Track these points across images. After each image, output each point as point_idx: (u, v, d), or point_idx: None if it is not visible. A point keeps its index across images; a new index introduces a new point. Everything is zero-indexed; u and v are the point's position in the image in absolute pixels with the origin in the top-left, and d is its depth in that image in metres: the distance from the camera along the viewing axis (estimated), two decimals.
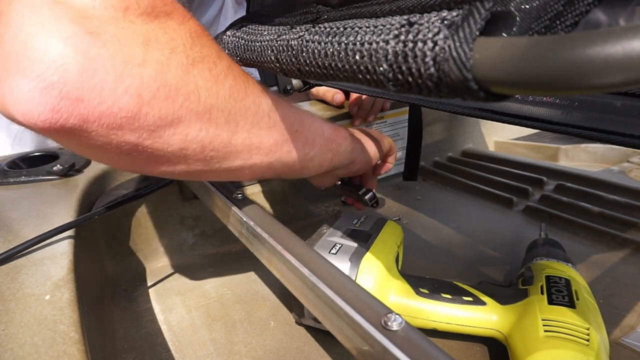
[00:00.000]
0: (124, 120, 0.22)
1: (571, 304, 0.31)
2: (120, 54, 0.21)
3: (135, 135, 0.23)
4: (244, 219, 0.31)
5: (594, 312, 0.31)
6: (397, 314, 0.20)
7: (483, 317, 0.33)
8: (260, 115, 0.29)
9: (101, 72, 0.20)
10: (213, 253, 0.51)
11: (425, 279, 0.36)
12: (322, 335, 0.36)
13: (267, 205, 0.57)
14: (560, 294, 0.32)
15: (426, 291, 0.34)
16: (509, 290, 0.35)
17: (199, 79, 0.24)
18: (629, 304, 0.38)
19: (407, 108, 0.67)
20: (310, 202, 0.62)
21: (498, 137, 0.88)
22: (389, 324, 0.20)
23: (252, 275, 0.46)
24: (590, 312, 0.30)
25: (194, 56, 0.24)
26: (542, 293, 0.32)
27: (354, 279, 0.32)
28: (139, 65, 0.22)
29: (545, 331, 0.29)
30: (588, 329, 0.28)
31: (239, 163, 0.29)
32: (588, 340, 0.28)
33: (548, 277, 0.34)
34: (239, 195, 0.35)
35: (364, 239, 0.36)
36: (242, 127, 0.28)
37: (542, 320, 0.30)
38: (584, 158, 0.81)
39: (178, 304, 0.42)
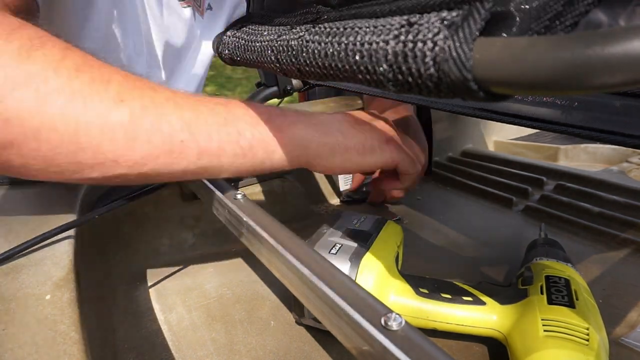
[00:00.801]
0: None
1: (571, 304, 0.31)
2: None
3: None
4: (244, 219, 0.31)
5: (593, 312, 0.31)
6: (397, 314, 0.20)
7: (483, 317, 0.33)
8: (109, 128, 0.27)
9: None
10: (213, 253, 0.51)
11: (425, 278, 0.36)
12: (322, 335, 0.36)
13: (267, 205, 0.57)
14: (560, 293, 0.32)
15: (426, 291, 0.34)
16: (508, 290, 0.35)
17: (23, 103, 0.25)
18: (629, 304, 0.38)
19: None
20: (311, 202, 0.62)
21: (498, 137, 0.88)
22: (389, 323, 0.20)
23: (252, 275, 0.46)
24: (590, 312, 0.30)
25: (16, 80, 0.25)
26: (541, 293, 0.32)
27: (354, 278, 0.32)
28: None
29: (544, 331, 0.29)
30: (588, 329, 0.28)
31: (97, 175, 0.28)
32: (587, 340, 0.28)
33: (548, 277, 0.34)
34: (239, 195, 0.35)
35: (364, 239, 0.36)
36: (85, 144, 0.27)
37: (542, 320, 0.29)
38: (583, 158, 0.81)
39: (178, 303, 0.42)
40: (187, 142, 0.30)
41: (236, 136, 0.31)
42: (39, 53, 0.26)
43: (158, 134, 0.28)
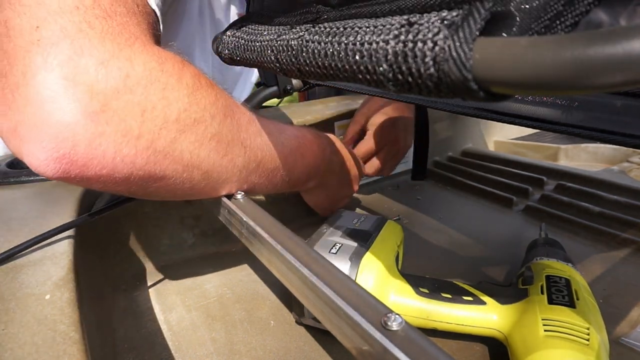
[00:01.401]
0: (117, 179, 0.26)
1: (571, 304, 0.31)
2: (121, 129, 0.25)
3: (126, 187, 0.28)
4: (244, 219, 0.31)
5: (594, 311, 0.31)
6: (397, 314, 0.20)
7: (483, 316, 0.33)
8: (233, 171, 0.33)
9: (104, 145, 0.24)
10: (213, 253, 0.51)
11: (425, 278, 0.36)
12: (322, 335, 0.36)
13: (267, 205, 0.57)
14: (560, 293, 0.32)
15: (426, 291, 0.34)
16: (508, 290, 0.35)
17: (185, 144, 0.28)
18: (629, 304, 0.38)
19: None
20: None
21: (498, 137, 0.88)
22: (389, 323, 0.20)
23: (252, 275, 0.46)
24: (590, 312, 0.30)
25: (185, 121, 0.27)
26: (542, 293, 0.32)
27: (354, 278, 0.32)
28: (135, 138, 0.25)
29: (545, 331, 0.29)
30: (588, 329, 0.28)
31: (202, 197, 0.34)
32: (588, 340, 0.28)
33: (548, 277, 0.34)
34: (239, 195, 0.35)
35: (364, 238, 0.36)
36: (214, 181, 0.32)
37: (542, 319, 0.29)
38: (584, 158, 0.81)
39: (178, 303, 0.42)
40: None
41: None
42: (200, 95, 0.29)
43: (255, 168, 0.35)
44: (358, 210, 0.61)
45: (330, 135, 0.49)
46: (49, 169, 0.24)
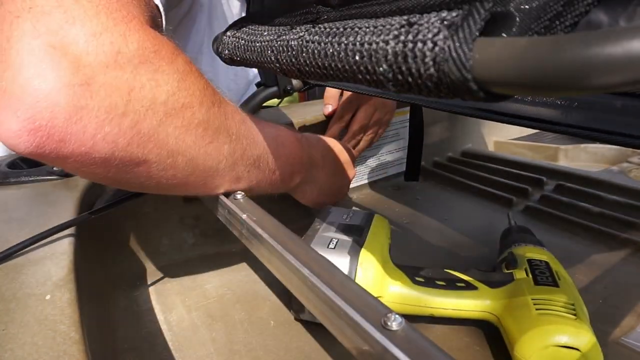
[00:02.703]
0: (96, 160, 0.24)
1: (555, 284, 0.33)
2: (105, 105, 0.23)
3: (104, 170, 0.26)
4: (244, 219, 0.31)
5: (572, 288, 0.34)
6: (397, 314, 0.20)
7: (476, 301, 0.34)
8: (219, 159, 0.31)
9: (85, 120, 0.23)
10: (213, 253, 0.51)
11: (418, 268, 0.37)
12: (322, 335, 0.36)
13: (267, 205, 0.56)
14: (544, 275, 0.34)
15: (422, 279, 0.35)
16: (495, 274, 0.37)
17: (171, 128, 0.27)
18: (629, 304, 0.38)
19: (408, 108, 0.67)
20: None
21: (498, 137, 0.88)
22: (389, 323, 0.20)
23: (252, 275, 0.46)
24: (571, 290, 0.33)
25: (174, 105, 0.26)
26: (527, 275, 0.35)
27: (354, 272, 0.33)
28: (120, 115, 0.24)
29: (537, 310, 0.31)
30: (573, 304, 0.31)
31: (189, 191, 0.33)
32: (575, 315, 0.30)
33: (530, 261, 0.36)
34: (239, 195, 0.35)
35: (358, 233, 0.37)
36: (200, 170, 0.30)
37: (532, 299, 0.32)
38: (583, 158, 0.81)
39: (178, 303, 0.42)
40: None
41: None
42: (189, 81, 0.28)
43: (241, 160, 0.34)
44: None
45: (306, 133, 0.49)
46: (21, 142, 0.22)
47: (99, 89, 0.23)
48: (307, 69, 0.20)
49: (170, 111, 0.26)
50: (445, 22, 0.14)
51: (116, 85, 0.23)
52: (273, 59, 0.23)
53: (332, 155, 0.49)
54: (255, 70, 0.85)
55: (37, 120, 0.22)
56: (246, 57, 0.27)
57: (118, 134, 0.24)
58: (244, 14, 0.75)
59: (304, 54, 0.20)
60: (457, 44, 0.13)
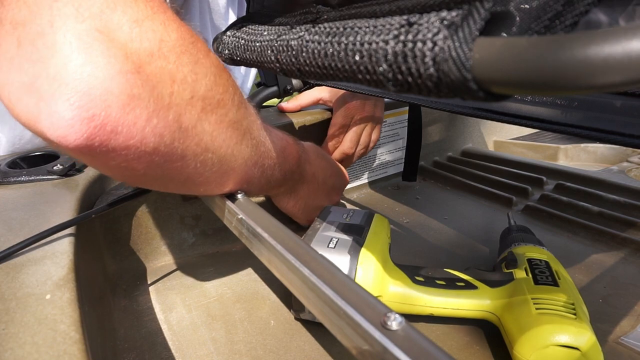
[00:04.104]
0: (141, 154, 0.23)
1: (555, 283, 0.33)
2: (154, 95, 0.22)
3: (145, 166, 0.24)
4: (244, 219, 0.31)
5: (573, 288, 0.34)
6: (397, 313, 0.20)
7: (476, 300, 0.34)
8: (240, 161, 0.31)
9: (137, 111, 0.22)
10: (213, 252, 0.51)
11: (418, 267, 0.37)
12: (322, 335, 0.36)
13: (267, 205, 0.57)
14: (544, 274, 0.34)
15: (422, 279, 0.35)
16: (495, 274, 0.36)
17: (206, 125, 0.26)
18: (629, 304, 0.38)
19: (407, 108, 0.67)
20: None
21: (497, 137, 0.88)
22: (389, 323, 0.20)
23: (252, 275, 0.46)
24: (571, 289, 0.33)
25: (210, 101, 0.26)
26: (527, 275, 0.35)
27: (355, 271, 0.33)
28: (166, 107, 0.23)
29: (537, 309, 0.31)
30: (573, 304, 0.31)
31: (201, 191, 0.33)
32: (575, 314, 0.30)
33: (530, 260, 0.36)
34: (239, 195, 0.35)
35: (358, 232, 0.37)
36: (223, 170, 0.30)
37: (532, 299, 0.32)
38: (583, 158, 0.81)
39: (178, 303, 0.42)
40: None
41: None
42: (225, 77, 0.27)
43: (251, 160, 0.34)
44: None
45: (311, 145, 0.49)
46: (72, 132, 0.20)
47: (148, 79, 0.22)
48: (307, 68, 0.20)
49: (206, 107, 0.25)
50: (445, 22, 0.14)
51: (161, 76, 0.22)
52: (273, 58, 0.23)
53: (323, 176, 0.49)
54: (244, 74, 0.84)
55: (91, 109, 0.20)
56: (246, 56, 0.27)
57: (165, 127, 0.23)
58: (230, 9, 0.74)
59: (303, 54, 0.20)
60: (457, 44, 0.13)
